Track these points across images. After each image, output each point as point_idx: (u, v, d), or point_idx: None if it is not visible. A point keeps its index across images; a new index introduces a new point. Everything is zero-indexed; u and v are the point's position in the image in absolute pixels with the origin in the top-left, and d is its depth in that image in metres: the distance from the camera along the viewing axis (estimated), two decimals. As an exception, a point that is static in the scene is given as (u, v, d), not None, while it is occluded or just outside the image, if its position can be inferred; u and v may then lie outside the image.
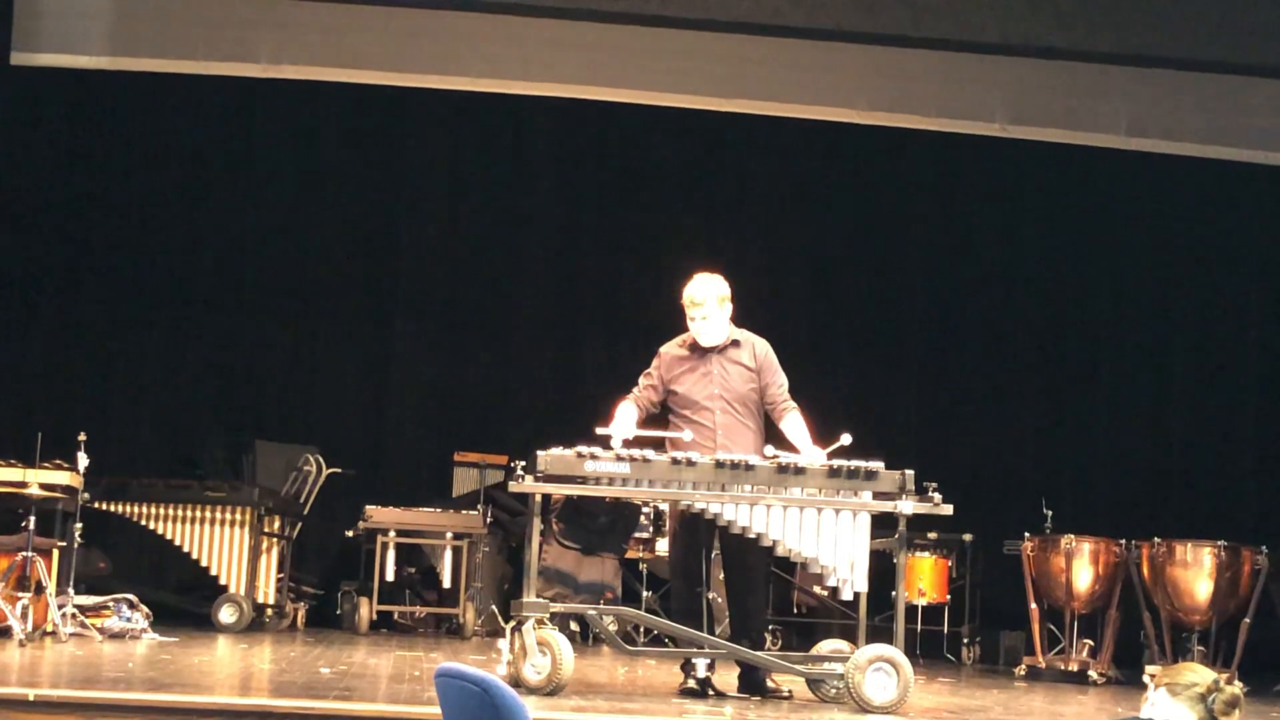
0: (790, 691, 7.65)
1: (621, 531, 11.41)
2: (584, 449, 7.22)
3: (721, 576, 8.09)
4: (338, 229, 13.29)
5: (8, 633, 8.52)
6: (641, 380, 7.80)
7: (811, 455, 7.41)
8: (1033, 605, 10.68)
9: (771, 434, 7.76)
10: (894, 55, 11.54)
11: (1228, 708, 3.80)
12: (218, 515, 10.83)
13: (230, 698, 6.52)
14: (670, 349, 7.80)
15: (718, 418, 7.60)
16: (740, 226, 13.33)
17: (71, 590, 9.33)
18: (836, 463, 7.33)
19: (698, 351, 7.72)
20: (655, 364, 7.80)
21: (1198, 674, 3.87)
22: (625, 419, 7.54)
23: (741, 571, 7.74)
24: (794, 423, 7.65)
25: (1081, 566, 10.50)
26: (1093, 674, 10.31)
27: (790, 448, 7.53)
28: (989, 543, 11.61)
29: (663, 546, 11.37)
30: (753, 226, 13.35)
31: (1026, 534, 10.79)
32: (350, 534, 11.62)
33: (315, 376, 13.15)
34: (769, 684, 7.64)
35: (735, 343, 7.73)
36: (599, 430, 7.34)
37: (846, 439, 7.44)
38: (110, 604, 9.81)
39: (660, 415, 7.87)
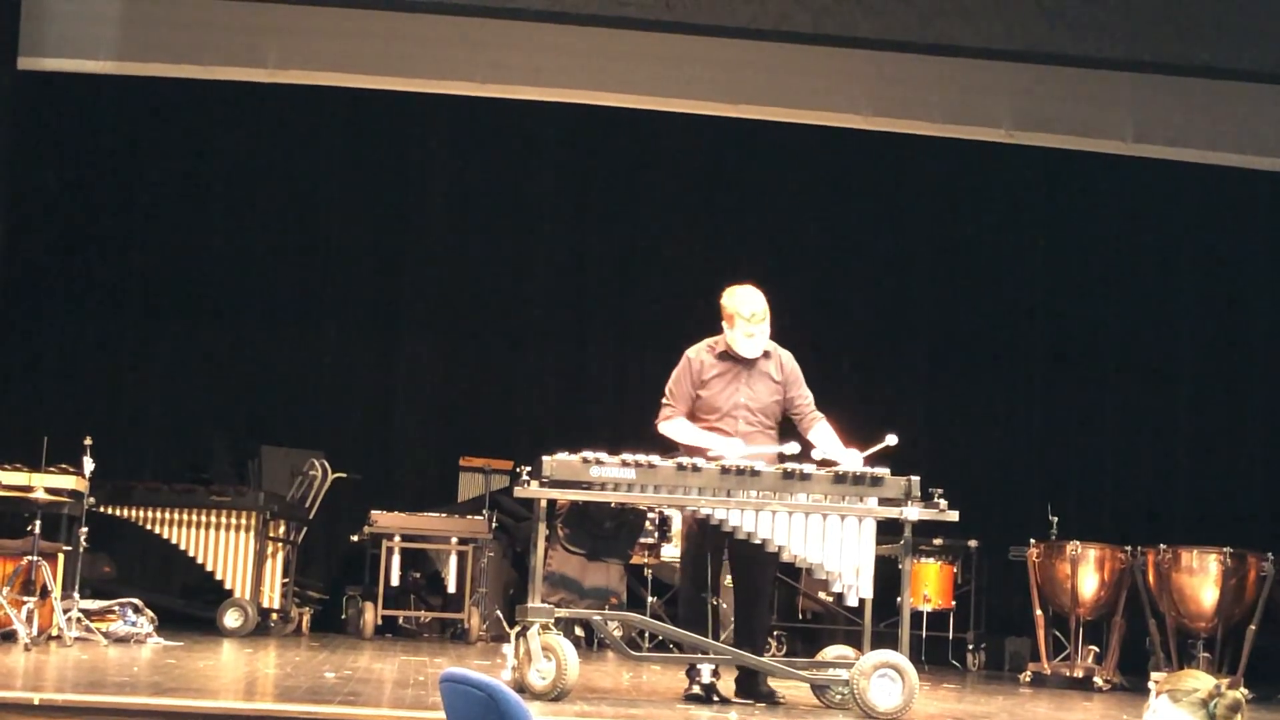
0: (784, 696, 7.65)
1: (626, 537, 11.41)
2: (589, 454, 7.21)
3: (727, 582, 8.08)
4: (344, 234, 13.31)
5: (13, 637, 8.53)
6: (675, 391, 7.64)
7: (849, 459, 7.40)
8: (1038, 612, 10.67)
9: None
10: (900, 61, 11.54)
11: (1230, 713, 3.79)
12: (223, 520, 10.84)
13: (235, 702, 6.52)
14: (700, 354, 7.72)
15: (740, 426, 7.58)
16: (745, 232, 13.33)
17: (76, 594, 9.33)
18: (842, 469, 7.33)
19: (729, 359, 7.68)
20: (684, 368, 7.70)
21: (1199, 680, 3.86)
22: (702, 432, 7.53)
23: (752, 579, 7.73)
24: (823, 431, 7.63)
25: (1087, 573, 10.50)
26: (1098, 680, 10.30)
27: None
28: (994, 549, 11.61)
29: (668, 552, 11.37)
30: (758, 232, 13.35)
31: (1032, 540, 10.78)
32: (355, 538, 11.64)
33: (321, 381, 13.17)
34: (764, 689, 7.64)
35: (766, 354, 7.71)
36: (711, 454, 7.32)
37: (892, 439, 7.44)
38: (115, 608, 9.82)
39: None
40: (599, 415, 12.99)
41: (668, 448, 7.72)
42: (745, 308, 7.58)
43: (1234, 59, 10.30)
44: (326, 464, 11.94)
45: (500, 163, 13.39)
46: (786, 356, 7.75)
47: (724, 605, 8.84)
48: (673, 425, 7.63)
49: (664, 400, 7.69)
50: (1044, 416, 13.45)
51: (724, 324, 7.67)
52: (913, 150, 12.94)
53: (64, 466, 9.49)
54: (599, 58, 11.98)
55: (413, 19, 11.45)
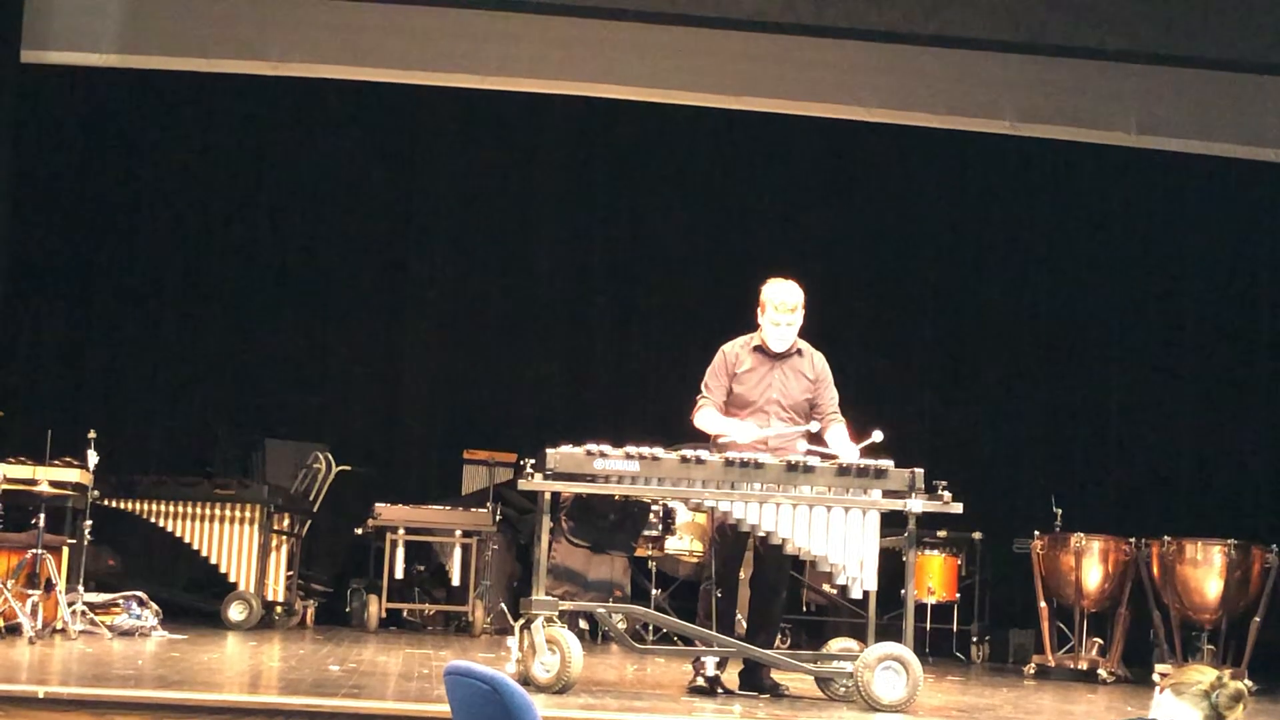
0: (789, 688, 7.65)
1: (630, 529, 11.41)
2: (593, 446, 7.22)
3: (743, 575, 8.08)
4: (347, 226, 13.30)
5: (18, 630, 8.53)
6: (711, 383, 7.74)
7: (845, 451, 7.42)
8: (1042, 604, 10.67)
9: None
10: (903, 53, 11.54)
11: (1232, 702, 3.82)
12: (227, 513, 10.84)
13: (240, 695, 6.52)
14: (734, 348, 7.79)
15: (772, 421, 7.61)
16: (749, 224, 13.32)
17: (81, 588, 9.34)
18: (846, 461, 7.33)
19: (763, 354, 7.72)
20: (719, 361, 7.76)
21: (1202, 673, 3.89)
22: (728, 419, 7.57)
23: (772, 577, 7.75)
24: (836, 433, 7.69)
25: (1091, 565, 10.49)
26: (1102, 673, 10.30)
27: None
28: (998, 541, 11.61)
29: (671, 544, 11.37)
30: (762, 224, 13.34)
31: (1036, 532, 10.78)
32: (359, 531, 11.64)
33: (325, 374, 13.16)
34: (768, 681, 7.64)
35: (799, 351, 7.76)
36: (722, 440, 7.36)
37: (878, 436, 7.47)
38: (120, 601, 9.82)
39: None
40: (602, 408, 12.98)
41: (705, 440, 7.76)
42: (776, 296, 7.68)
43: (1238, 50, 10.30)
44: (330, 457, 11.94)
45: (504, 156, 13.39)
46: (819, 357, 7.83)
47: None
48: (702, 415, 7.70)
49: (699, 394, 7.76)
50: (1048, 408, 13.43)
51: (759, 313, 7.72)
52: (916, 142, 12.93)
53: (68, 460, 9.49)
54: (602, 50, 11.97)
55: (415, 11, 11.45)
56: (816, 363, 7.80)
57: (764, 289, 7.77)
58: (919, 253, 13.58)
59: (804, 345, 7.82)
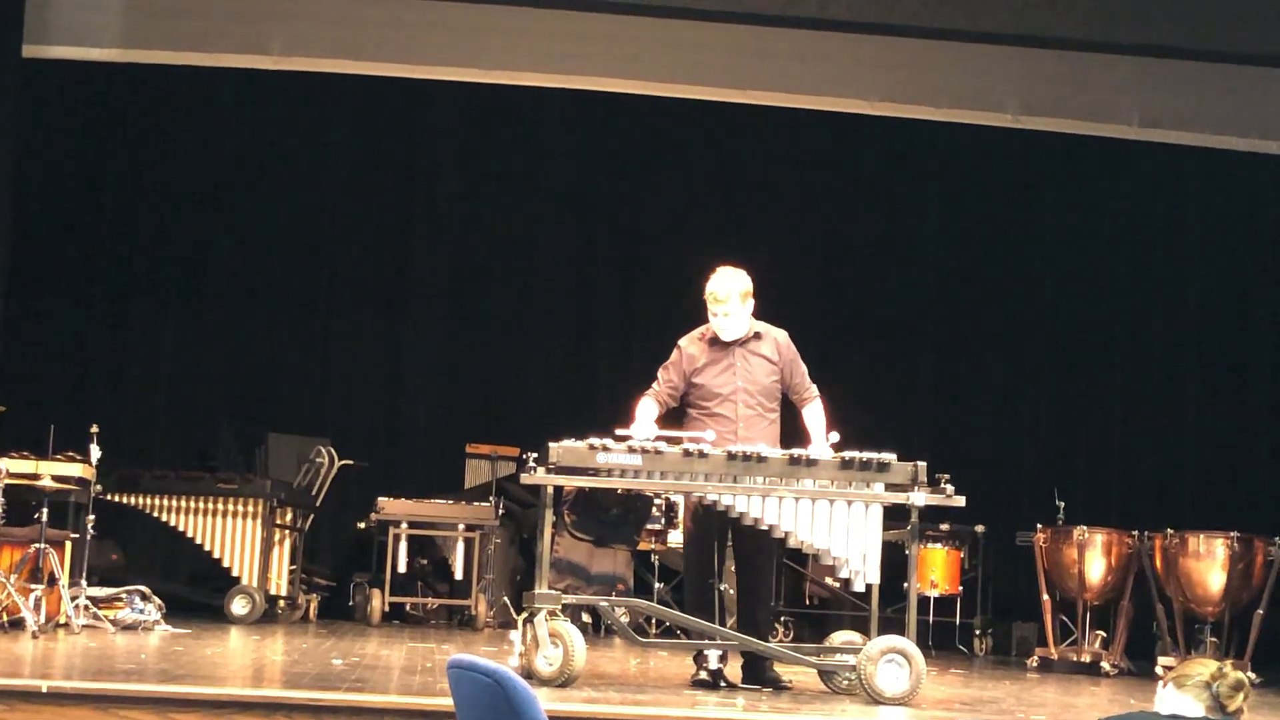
0: (791, 681, 7.65)
1: (633, 523, 11.32)
2: (596, 441, 7.22)
3: (732, 568, 8.09)
4: (350, 221, 13.31)
5: (21, 624, 8.54)
6: (660, 375, 7.76)
7: (819, 448, 7.43)
8: (1045, 596, 10.67)
9: (790, 424, 7.76)
10: (905, 46, 11.51)
11: (1233, 691, 3.83)
12: (230, 507, 10.85)
13: (243, 689, 6.52)
14: (690, 342, 7.77)
15: (740, 410, 7.60)
16: (752, 218, 13.32)
17: (84, 582, 9.34)
18: (848, 454, 7.33)
19: (719, 344, 7.70)
20: (675, 357, 7.76)
21: (1203, 665, 3.91)
22: (646, 417, 7.54)
23: (754, 564, 7.75)
24: (813, 412, 7.70)
25: (1094, 558, 10.49)
26: (1105, 665, 10.29)
27: (808, 435, 7.57)
28: (1001, 534, 11.61)
29: (675, 538, 11.36)
30: (764, 218, 13.34)
31: (1039, 525, 10.78)
32: (362, 526, 11.66)
33: (327, 368, 13.18)
34: (770, 674, 7.64)
35: (757, 335, 7.72)
36: (620, 432, 7.35)
37: (834, 437, 7.48)
38: (123, 596, 9.82)
39: (677, 411, 7.84)
40: (605, 402, 12.98)
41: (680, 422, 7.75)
42: (709, 288, 7.69)
43: (1241, 43, 10.28)
44: (333, 451, 11.94)
45: (507, 149, 13.39)
46: (782, 336, 7.78)
47: (729, 590, 8.87)
48: (640, 403, 7.67)
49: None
50: (1050, 401, 13.43)
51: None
52: (919, 135, 12.92)
53: (71, 454, 9.48)
54: (606, 44, 11.97)
55: (418, 5, 11.44)
56: (780, 343, 7.74)
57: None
58: (922, 245, 13.58)
59: (763, 327, 7.76)
